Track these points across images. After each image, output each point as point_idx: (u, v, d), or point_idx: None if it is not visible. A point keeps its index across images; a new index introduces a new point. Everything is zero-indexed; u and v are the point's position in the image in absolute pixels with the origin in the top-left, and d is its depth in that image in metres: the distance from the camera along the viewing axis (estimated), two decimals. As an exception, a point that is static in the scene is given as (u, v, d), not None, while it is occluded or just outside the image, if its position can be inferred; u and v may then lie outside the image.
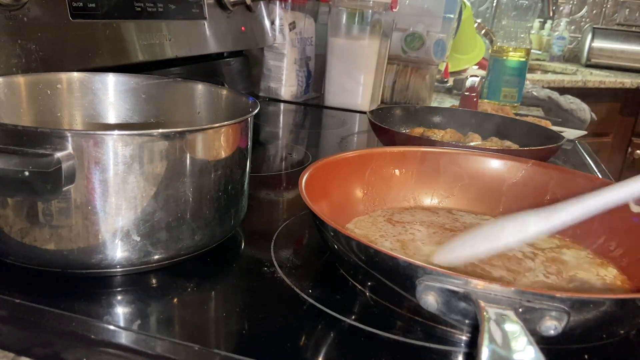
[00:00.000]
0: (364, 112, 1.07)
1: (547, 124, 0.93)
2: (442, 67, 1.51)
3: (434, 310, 0.31)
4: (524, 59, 1.25)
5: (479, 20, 1.95)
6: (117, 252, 0.37)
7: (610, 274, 0.44)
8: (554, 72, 2.52)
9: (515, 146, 0.75)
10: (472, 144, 0.76)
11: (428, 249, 0.45)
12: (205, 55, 0.90)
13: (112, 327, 0.34)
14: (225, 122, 0.41)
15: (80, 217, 0.36)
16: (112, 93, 0.54)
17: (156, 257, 0.39)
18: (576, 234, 0.49)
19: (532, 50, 1.65)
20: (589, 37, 2.57)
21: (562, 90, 1.68)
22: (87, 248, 0.37)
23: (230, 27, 0.96)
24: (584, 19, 2.77)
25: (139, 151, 0.36)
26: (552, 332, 0.29)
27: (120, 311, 0.36)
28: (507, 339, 0.26)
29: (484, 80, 1.29)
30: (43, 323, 0.34)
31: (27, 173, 0.32)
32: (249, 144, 0.45)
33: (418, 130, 0.81)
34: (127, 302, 0.37)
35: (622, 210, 0.47)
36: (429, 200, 0.55)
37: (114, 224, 0.36)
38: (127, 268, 0.39)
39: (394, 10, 1.11)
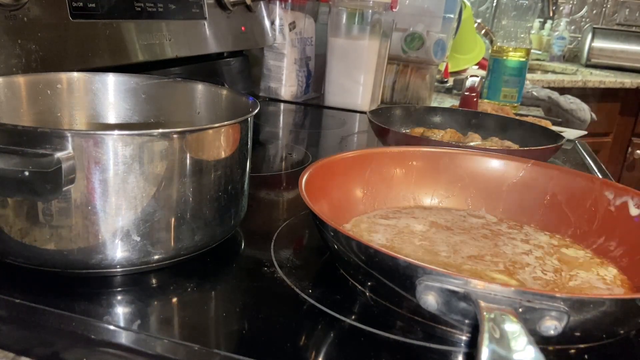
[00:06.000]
0: (364, 112, 1.07)
1: (547, 124, 0.93)
2: (442, 67, 1.51)
3: (434, 310, 0.31)
4: (524, 59, 1.25)
5: (479, 20, 1.95)
6: (117, 252, 0.37)
7: (610, 274, 0.44)
8: (554, 72, 2.52)
9: (515, 146, 0.75)
10: (472, 144, 0.76)
11: (411, 250, 0.45)
12: (205, 55, 0.90)
13: (112, 327, 0.34)
14: (225, 122, 0.41)
15: (80, 217, 0.36)
16: (112, 93, 0.54)
17: (156, 257, 0.39)
18: (576, 233, 0.49)
19: (532, 50, 1.65)
20: (589, 37, 2.57)
21: (562, 90, 1.68)
22: (87, 248, 0.37)
23: (230, 27, 0.96)
24: (584, 19, 2.77)
25: (139, 151, 0.36)
26: (552, 332, 0.29)
27: (120, 311, 0.36)
28: (507, 339, 0.26)
29: (484, 80, 1.29)
30: (43, 323, 0.34)
31: (27, 173, 0.32)
32: (249, 144, 0.45)
33: (418, 130, 0.81)
34: (127, 302, 0.37)
35: (622, 210, 0.47)
36: (429, 200, 0.55)
37: (114, 224, 0.36)
38: (127, 268, 0.39)
39: (394, 10, 1.11)
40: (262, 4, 1.07)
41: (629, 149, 2.34)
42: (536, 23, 2.61)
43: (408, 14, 1.20)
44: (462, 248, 0.46)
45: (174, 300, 0.38)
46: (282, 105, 1.14)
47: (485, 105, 1.07)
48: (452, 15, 1.22)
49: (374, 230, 0.48)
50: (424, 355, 0.34)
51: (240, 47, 1.02)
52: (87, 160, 0.34)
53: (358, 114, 1.10)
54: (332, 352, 0.34)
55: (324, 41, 1.14)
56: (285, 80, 1.15)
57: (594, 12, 2.76)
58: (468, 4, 1.68)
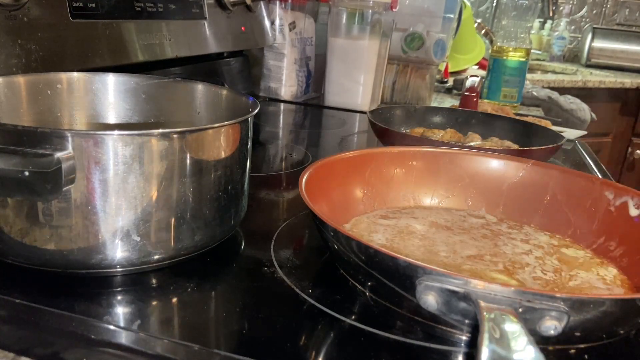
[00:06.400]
0: (364, 112, 1.07)
1: (547, 124, 0.93)
2: (442, 67, 1.51)
3: (434, 310, 0.31)
4: (524, 59, 1.25)
5: (479, 20, 1.95)
6: (117, 252, 0.37)
7: (610, 274, 0.44)
8: (554, 72, 2.52)
9: (515, 146, 0.75)
10: (472, 144, 0.76)
11: (411, 250, 0.45)
12: (205, 55, 0.90)
13: (112, 327, 0.34)
14: (225, 122, 0.41)
15: (80, 217, 0.36)
16: (112, 93, 0.54)
17: (156, 257, 0.39)
18: (576, 233, 0.49)
19: (532, 50, 1.65)
20: (589, 37, 2.57)
21: (562, 90, 1.68)
22: (87, 248, 0.37)
23: (230, 27, 0.96)
24: (584, 19, 2.77)
25: (139, 151, 0.36)
26: (552, 332, 0.29)
27: (120, 311, 0.36)
28: (507, 339, 0.26)
29: (484, 80, 1.29)
30: (43, 323, 0.34)
31: (27, 173, 0.32)
32: (249, 144, 0.45)
33: (418, 130, 0.81)
34: (127, 302, 0.37)
35: (622, 210, 0.47)
36: (429, 200, 0.55)
37: (114, 224, 0.36)
38: (127, 268, 0.39)
39: (394, 10, 1.11)
40: (262, 4, 1.07)
41: (629, 149, 2.34)
42: (536, 23, 2.61)
43: (408, 14, 1.20)
44: (462, 248, 0.46)
45: (174, 300, 0.38)
46: (282, 105, 1.14)
47: (485, 105, 1.07)
48: (452, 15, 1.22)
49: (374, 230, 0.48)
50: (424, 355, 0.34)
51: (240, 47, 1.02)
52: (87, 160, 0.34)
53: (358, 114, 1.10)
54: (332, 352, 0.34)
55: (324, 41, 1.14)
56: (285, 80, 1.15)
57: (594, 12, 2.76)
58: (468, 4, 1.68)
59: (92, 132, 0.36)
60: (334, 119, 1.06)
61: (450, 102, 1.33)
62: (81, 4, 0.63)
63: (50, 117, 0.51)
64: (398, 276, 0.32)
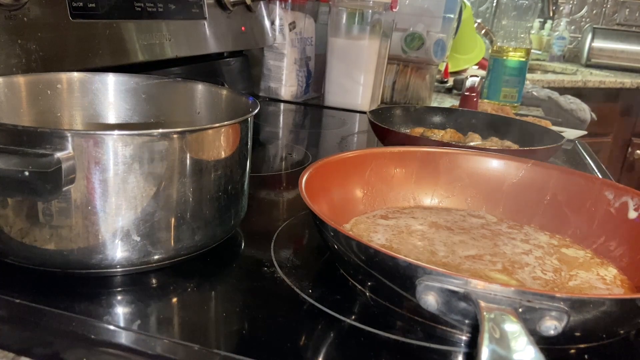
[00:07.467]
0: (364, 112, 1.07)
1: (547, 124, 0.93)
2: (442, 67, 1.51)
3: (434, 310, 0.31)
4: (524, 59, 1.25)
5: (479, 20, 1.95)
6: (117, 252, 0.37)
7: (610, 274, 0.44)
8: (554, 72, 2.52)
9: (515, 146, 0.75)
10: (472, 144, 0.76)
11: (410, 250, 0.45)
12: (205, 55, 0.90)
13: (112, 327, 0.34)
14: (225, 122, 0.41)
15: (80, 217, 0.36)
16: (112, 93, 0.54)
17: (156, 257, 0.39)
18: (576, 234, 0.49)
19: (532, 50, 1.65)
20: (589, 37, 2.57)
21: (562, 90, 1.68)
22: (87, 248, 0.37)
23: (230, 27, 0.96)
24: (584, 19, 2.77)
25: (139, 151, 0.36)
26: (552, 332, 0.29)
27: (120, 311, 0.36)
28: (507, 339, 0.26)
29: (484, 80, 1.29)
30: (43, 323, 0.34)
31: (27, 173, 0.32)
32: (249, 144, 0.45)
33: (418, 130, 0.81)
34: (127, 302, 0.37)
35: (622, 210, 0.47)
36: (429, 200, 0.55)
37: (114, 224, 0.36)
38: (127, 268, 0.39)
39: (394, 10, 1.11)
40: (262, 4, 1.07)
41: (629, 149, 2.34)
42: (536, 23, 2.61)
43: (408, 14, 1.20)
44: (462, 248, 0.46)
45: (174, 300, 0.38)
46: (282, 105, 1.14)
47: (485, 105, 1.07)
48: (452, 15, 1.22)
49: (373, 230, 0.48)
50: (424, 355, 0.34)
51: (240, 47, 1.02)
52: (87, 160, 0.34)
53: (358, 114, 1.10)
54: (332, 352, 0.34)
55: (324, 41, 1.14)
56: (285, 80, 1.15)
57: (594, 12, 2.76)
58: (468, 4, 1.68)
59: (92, 132, 0.36)
60: (334, 119, 1.06)
61: (450, 102, 1.33)
62: (81, 4, 0.63)
63: (50, 117, 0.51)
64: (398, 276, 0.32)
